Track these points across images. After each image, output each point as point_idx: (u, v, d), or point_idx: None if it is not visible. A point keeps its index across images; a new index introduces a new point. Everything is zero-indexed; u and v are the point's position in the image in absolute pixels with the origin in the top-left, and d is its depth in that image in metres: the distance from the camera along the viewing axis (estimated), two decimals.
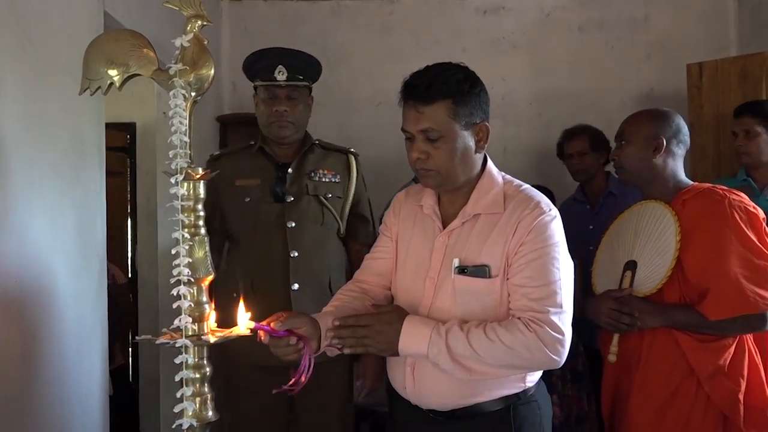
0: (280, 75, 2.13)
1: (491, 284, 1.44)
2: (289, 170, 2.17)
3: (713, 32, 3.69)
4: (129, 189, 4.03)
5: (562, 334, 1.38)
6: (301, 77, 2.16)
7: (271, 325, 1.35)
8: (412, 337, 1.39)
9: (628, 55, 3.71)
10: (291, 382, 1.37)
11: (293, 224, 2.12)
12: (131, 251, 3.99)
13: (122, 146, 3.97)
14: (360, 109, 3.69)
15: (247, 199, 2.13)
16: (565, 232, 1.49)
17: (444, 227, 1.52)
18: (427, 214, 1.55)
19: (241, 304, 1.34)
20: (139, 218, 3.97)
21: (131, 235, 4.01)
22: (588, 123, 3.20)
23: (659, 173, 1.89)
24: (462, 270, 1.46)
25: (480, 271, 1.44)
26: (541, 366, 1.46)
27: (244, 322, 1.32)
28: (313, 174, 2.20)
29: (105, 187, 2.17)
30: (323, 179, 2.20)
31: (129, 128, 4.02)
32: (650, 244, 1.83)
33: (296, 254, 2.11)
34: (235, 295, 2.06)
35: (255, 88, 2.21)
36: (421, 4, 3.78)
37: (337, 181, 2.23)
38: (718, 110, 2.91)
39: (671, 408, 1.76)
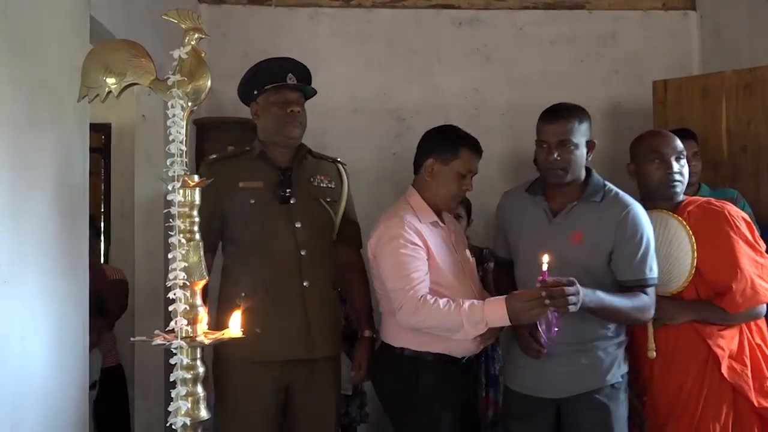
0: (291, 81, 2.24)
1: None
2: (291, 173, 2.25)
3: (678, 51, 3.84)
4: (103, 189, 4.04)
5: None
6: (305, 84, 2.29)
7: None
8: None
9: (596, 70, 3.83)
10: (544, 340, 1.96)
11: (299, 224, 2.21)
12: (104, 252, 3.99)
13: (97, 147, 3.96)
14: (336, 116, 3.72)
15: (252, 201, 2.20)
16: None
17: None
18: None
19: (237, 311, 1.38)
20: (113, 219, 3.97)
21: (104, 235, 4.01)
22: None
23: None
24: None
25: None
26: None
27: (236, 324, 1.37)
28: (312, 179, 2.30)
29: (88, 191, 2.19)
30: (321, 184, 2.31)
31: (104, 129, 4.03)
32: (666, 250, 2.11)
33: (304, 253, 2.20)
34: (243, 294, 2.12)
35: (257, 95, 2.26)
36: (398, 13, 3.83)
37: (332, 186, 2.34)
38: (682, 125, 3.04)
39: (695, 385, 2.06)
